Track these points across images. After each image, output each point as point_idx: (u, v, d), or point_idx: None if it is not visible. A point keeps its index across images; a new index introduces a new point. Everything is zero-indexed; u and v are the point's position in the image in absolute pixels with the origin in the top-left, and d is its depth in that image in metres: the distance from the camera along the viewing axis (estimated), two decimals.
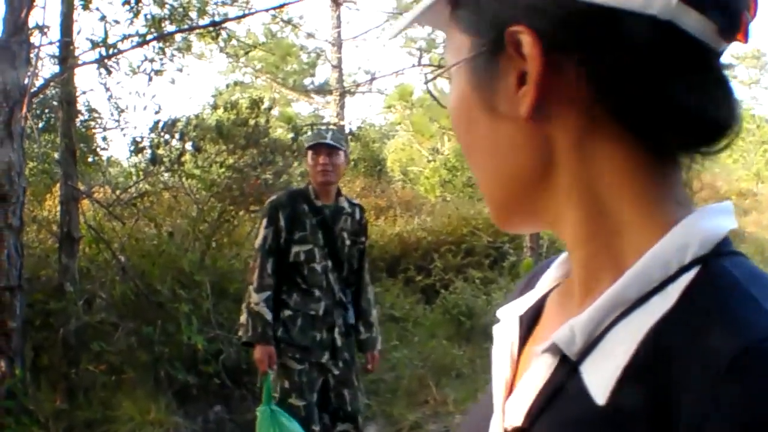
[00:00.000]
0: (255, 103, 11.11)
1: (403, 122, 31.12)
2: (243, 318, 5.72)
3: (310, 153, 5.82)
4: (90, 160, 12.28)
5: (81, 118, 11.84)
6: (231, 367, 8.85)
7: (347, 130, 21.65)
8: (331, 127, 5.76)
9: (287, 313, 5.69)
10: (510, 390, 1.08)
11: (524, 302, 1.21)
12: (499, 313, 1.23)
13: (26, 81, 8.05)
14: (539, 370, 1.00)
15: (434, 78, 1.32)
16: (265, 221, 5.77)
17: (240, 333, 5.85)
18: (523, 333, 1.16)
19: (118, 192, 10.73)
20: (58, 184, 9.77)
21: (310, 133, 6.35)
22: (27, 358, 8.16)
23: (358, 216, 6.04)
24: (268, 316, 5.57)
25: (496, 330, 1.20)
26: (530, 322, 1.17)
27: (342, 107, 23.43)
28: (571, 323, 0.96)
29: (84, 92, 10.27)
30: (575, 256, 1.04)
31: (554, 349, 0.97)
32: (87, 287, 9.11)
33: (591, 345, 0.95)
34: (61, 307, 8.51)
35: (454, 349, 11.16)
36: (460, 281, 13.89)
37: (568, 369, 0.96)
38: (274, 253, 5.67)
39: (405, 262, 15.08)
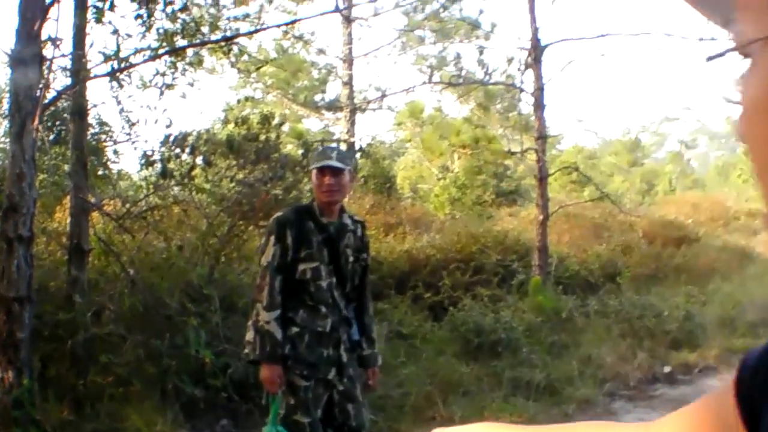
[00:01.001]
0: (266, 119, 11.16)
1: (413, 139, 31.17)
2: (249, 336, 5.66)
3: (315, 172, 5.81)
4: (100, 173, 12.32)
5: (92, 131, 11.87)
6: (238, 381, 8.84)
7: (357, 147, 21.68)
8: (337, 145, 5.68)
9: (294, 330, 5.67)
10: None
11: None
12: None
13: (38, 93, 8.07)
14: None
15: (722, 55, 0.84)
16: (272, 238, 5.73)
17: (246, 351, 5.77)
18: None
19: (128, 205, 10.75)
20: (68, 197, 9.78)
21: (317, 149, 6.32)
22: (35, 368, 8.18)
23: (359, 233, 6.05)
24: (278, 334, 5.54)
25: None
26: None
27: (352, 124, 23.50)
28: None
29: (95, 105, 10.25)
30: None
31: None
32: (96, 299, 9.13)
33: None
34: (70, 319, 8.53)
35: (461, 366, 11.14)
36: (468, 299, 13.87)
37: None
38: (282, 271, 5.66)
39: (413, 279, 15.06)
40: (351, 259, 5.90)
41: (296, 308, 5.67)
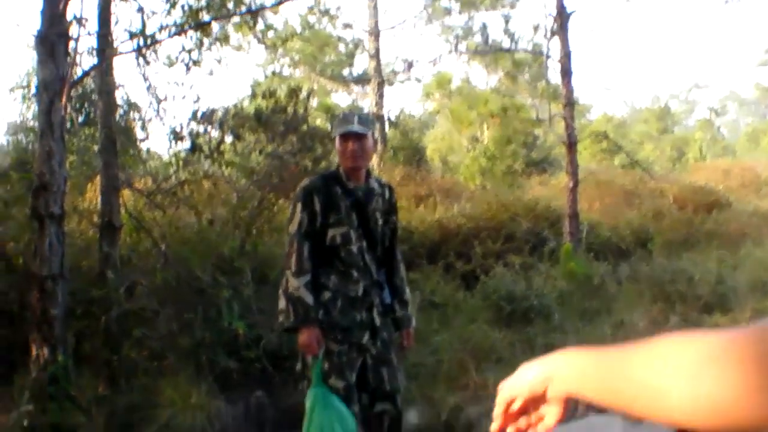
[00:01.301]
0: (293, 92, 11.14)
1: (442, 111, 31.12)
2: (282, 304, 5.65)
3: (338, 139, 5.83)
4: (130, 152, 12.38)
5: (120, 112, 11.93)
6: (272, 352, 8.87)
7: (386, 119, 21.69)
8: (357, 110, 5.66)
9: (327, 295, 5.67)
10: None
11: None
12: None
13: (65, 72, 8.11)
14: None
15: None
16: (299, 206, 5.74)
17: (280, 319, 5.75)
18: None
19: (158, 181, 10.80)
20: (98, 176, 9.83)
21: (338, 116, 6.29)
22: (69, 345, 8.23)
23: (387, 195, 6.06)
24: (310, 299, 5.53)
25: None
26: None
27: (380, 96, 23.51)
28: None
29: (122, 85, 10.29)
30: None
31: None
32: (128, 275, 9.17)
33: None
34: (103, 295, 8.58)
35: (494, 333, 11.15)
36: (499, 267, 13.88)
37: None
38: (311, 237, 5.66)
39: (445, 248, 15.08)
40: (380, 222, 5.92)
41: (328, 274, 5.67)
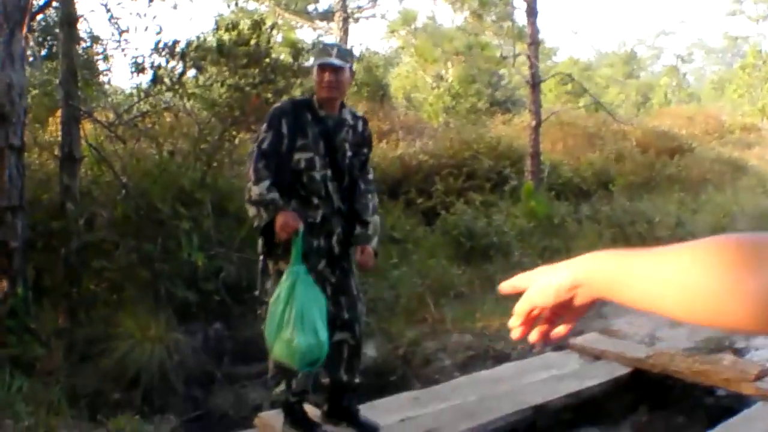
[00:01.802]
0: (256, 24, 11.07)
1: (407, 48, 31.07)
2: (252, 212, 5.63)
3: (316, 69, 5.80)
4: (92, 85, 12.30)
5: (83, 45, 11.84)
6: (231, 284, 8.91)
7: None
8: (337, 43, 5.58)
9: None
10: None
11: None
12: None
13: (26, 2, 8.05)
14: None
15: None
16: (265, 126, 5.74)
17: (255, 224, 5.68)
18: None
19: (119, 113, 10.75)
20: (59, 110, 9.75)
21: (317, 46, 6.26)
22: (29, 277, 8.22)
23: (361, 128, 6.04)
24: (275, 195, 5.50)
25: None
26: None
27: (345, 32, 23.42)
28: None
29: (83, 16, 10.17)
30: None
31: None
32: (88, 207, 9.15)
33: None
34: (63, 227, 8.56)
35: (453, 269, 11.22)
36: (460, 204, 13.95)
37: None
38: (270, 156, 5.67)
39: (406, 184, 15.15)
40: (349, 153, 5.89)
41: (289, 199, 5.68)
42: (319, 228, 5.71)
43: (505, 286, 1.67)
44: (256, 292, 5.95)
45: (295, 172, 5.68)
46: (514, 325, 1.66)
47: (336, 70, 5.70)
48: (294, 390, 5.87)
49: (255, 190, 5.59)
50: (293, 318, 5.36)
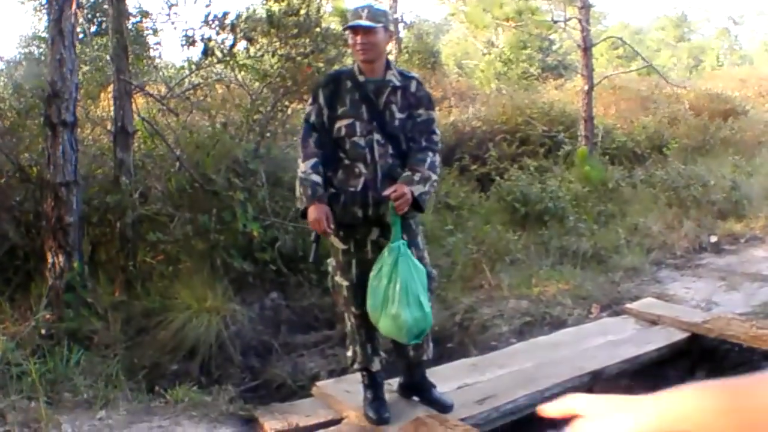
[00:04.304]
0: None
1: (457, 14, 30.94)
2: (297, 190, 5.65)
3: (349, 33, 5.82)
4: (142, 59, 12.33)
5: (132, 20, 11.87)
6: (287, 254, 8.90)
7: (401, 22, 21.55)
8: (368, 4, 5.39)
9: (331, 191, 5.63)
10: None
11: None
12: None
13: None
14: None
15: None
16: (310, 100, 5.80)
17: (297, 205, 5.74)
18: None
19: (171, 87, 10.77)
20: (111, 85, 9.77)
21: (350, 9, 6.16)
22: (85, 252, 8.29)
23: (413, 89, 5.86)
24: (317, 178, 5.51)
25: None
26: None
27: (395, 0, 23.32)
28: None
29: None
30: None
31: None
32: (142, 181, 9.18)
33: None
34: (117, 201, 8.58)
35: (508, 235, 11.19)
36: (514, 170, 13.91)
37: None
38: (318, 129, 5.66)
39: (460, 151, 15.12)
40: (400, 115, 5.75)
41: (335, 169, 5.61)
42: (361, 196, 5.63)
43: (550, 410, 1.43)
44: (311, 259, 5.94)
45: (337, 139, 5.66)
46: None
47: (367, 31, 5.62)
48: (356, 367, 5.97)
49: (302, 167, 5.61)
50: (398, 293, 5.38)
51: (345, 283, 5.75)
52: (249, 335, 7.98)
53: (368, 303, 5.53)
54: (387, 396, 6.02)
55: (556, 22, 19.48)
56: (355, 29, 5.62)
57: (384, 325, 5.48)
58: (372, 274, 5.49)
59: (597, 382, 6.81)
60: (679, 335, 7.65)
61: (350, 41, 5.78)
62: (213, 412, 6.20)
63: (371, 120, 5.66)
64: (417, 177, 5.61)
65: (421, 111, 5.88)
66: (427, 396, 6.07)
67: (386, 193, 5.46)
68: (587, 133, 15.96)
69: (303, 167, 5.58)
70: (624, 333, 7.85)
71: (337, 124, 5.63)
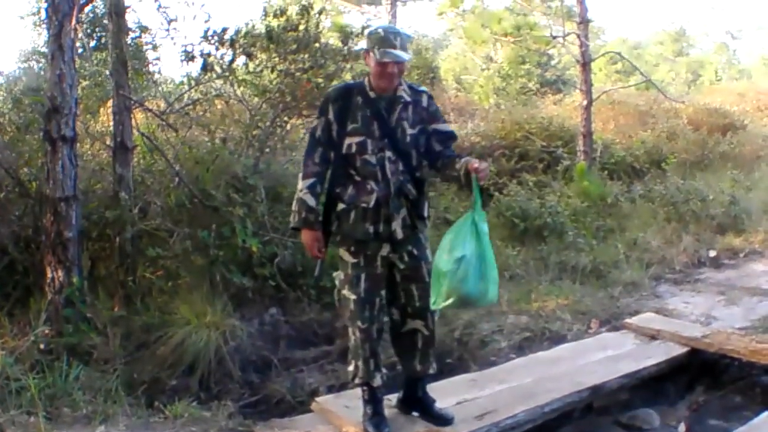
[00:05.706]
0: (305, 9, 11.04)
1: (456, 30, 31.00)
2: (293, 205, 5.65)
3: (377, 58, 5.50)
4: (142, 74, 12.34)
5: (131, 35, 11.88)
6: (286, 269, 8.90)
7: None
8: (397, 28, 5.21)
9: (341, 206, 5.61)
10: None
11: None
12: None
13: None
14: None
15: None
16: (318, 113, 5.72)
17: (290, 219, 5.77)
18: None
19: (170, 102, 10.78)
20: (110, 100, 9.78)
21: (376, 30, 5.84)
22: (84, 267, 8.27)
23: (425, 103, 5.76)
24: (311, 201, 5.51)
25: None
26: None
27: (394, 16, 23.36)
28: None
29: (131, 6, 10.14)
30: None
31: None
32: (142, 196, 9.18)
33: None
34: (117, 216, 8.58)
35: (507, 250, 11.20)
36: (513, 185, 13.93)
37: None
38: (324, 144, 5.61)
39: None
40: (411, 131, 5.66)
41: (345, 185, 5.57)
42: (373, 212, 5.60)
43: None
44: (316, 274, 5.94)
45: (347, 156, 5.59)
46: None
47: (401, 61, 5.54)
48: (357, 381, 5.93)
49: (299, 185, 5.62)
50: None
51: (352, 297, 5.69)
52: (248, 350, 7.98)
53: (490, 275, 5.55)
54: (386, 411, 6.00)
55: (554, 37, 19.49)
56: (389, 60, 5.49)
57: (493, 292, 5.55)
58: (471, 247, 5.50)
59: (596, 397, 6.82)
60: (679, 350, 7.65)
61: (376, 66, 5.54)
62: (212, 428, 6.20)
63: (383, 137, 5.60)
64: (465, 156, 5.65)
65: (439, 125, 5.83)
66: (427, 411, 6.05)
67: (473, 165, 5.40)
68: (586, 148, 16.00)
69: (300, 185, 5.59)
70: (623, 348, 7.85)
71: (347, 141, 5.57)
